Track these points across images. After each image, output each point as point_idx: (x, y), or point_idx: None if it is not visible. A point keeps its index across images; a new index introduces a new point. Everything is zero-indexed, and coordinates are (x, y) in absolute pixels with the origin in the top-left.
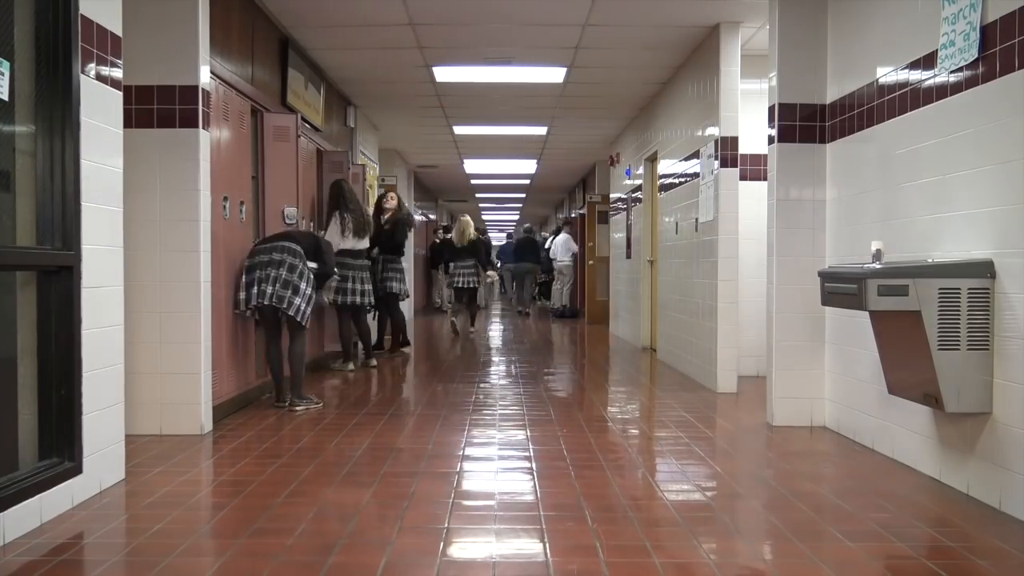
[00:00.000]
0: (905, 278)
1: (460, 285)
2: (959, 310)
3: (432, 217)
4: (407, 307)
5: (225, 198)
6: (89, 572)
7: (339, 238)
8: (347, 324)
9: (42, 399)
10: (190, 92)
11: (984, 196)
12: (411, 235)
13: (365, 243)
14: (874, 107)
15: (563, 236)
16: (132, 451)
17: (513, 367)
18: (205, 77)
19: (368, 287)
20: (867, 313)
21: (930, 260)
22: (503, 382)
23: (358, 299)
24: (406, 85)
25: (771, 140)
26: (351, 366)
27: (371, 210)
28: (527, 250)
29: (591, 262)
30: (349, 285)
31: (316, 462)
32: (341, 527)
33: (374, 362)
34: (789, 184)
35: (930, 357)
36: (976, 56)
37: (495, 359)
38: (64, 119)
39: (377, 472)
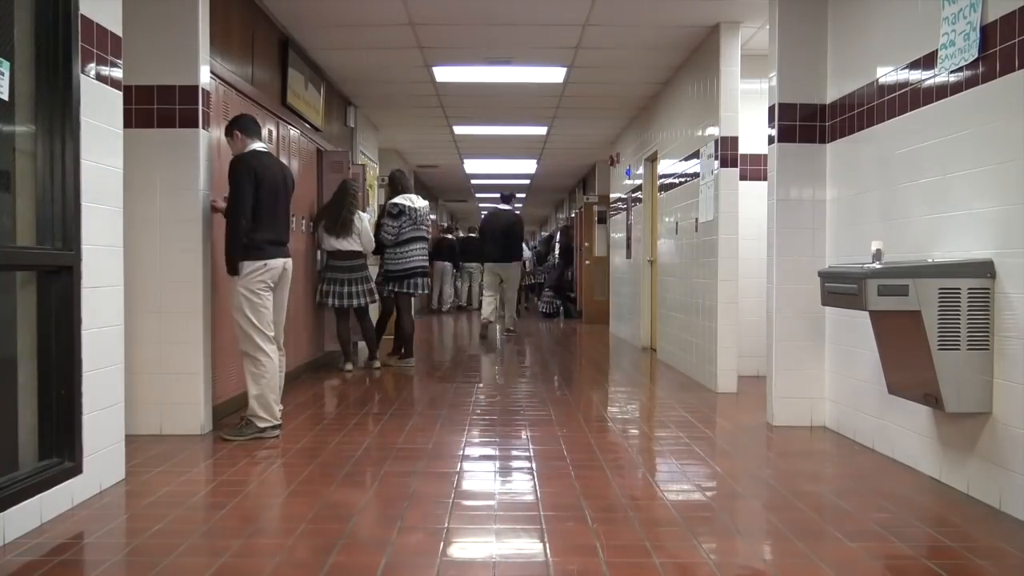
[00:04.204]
0: (905, 278)
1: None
2: (959, 310)
3: (432, 217)
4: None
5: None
6: (89, 572)
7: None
8: (343, 325)
9: (42, 399)
10: (190, 92)
11: (984, 196)
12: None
13: (351, 244)
14: (874, 107)
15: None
16: (132, 451)
17: (513, 367)
18: (205, 77)
19: (362, 287)
20: (867, 313)
21: (930, 260)
22: (503, 382)
23: (344, 301)
24: (406, 85)
25: (771, 140)
26: (349, 366)
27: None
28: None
29: (588, 262)
30: (336, 288)
31: (316, 462)
32: (341, 527)
33: (377, 364)
34: (789, 184)
35: (930, 357)
36: (976, 56)
37: (495, 359)
38: (64, 119)
39: (377, 472)
